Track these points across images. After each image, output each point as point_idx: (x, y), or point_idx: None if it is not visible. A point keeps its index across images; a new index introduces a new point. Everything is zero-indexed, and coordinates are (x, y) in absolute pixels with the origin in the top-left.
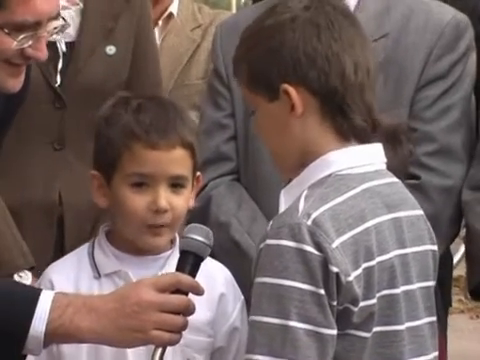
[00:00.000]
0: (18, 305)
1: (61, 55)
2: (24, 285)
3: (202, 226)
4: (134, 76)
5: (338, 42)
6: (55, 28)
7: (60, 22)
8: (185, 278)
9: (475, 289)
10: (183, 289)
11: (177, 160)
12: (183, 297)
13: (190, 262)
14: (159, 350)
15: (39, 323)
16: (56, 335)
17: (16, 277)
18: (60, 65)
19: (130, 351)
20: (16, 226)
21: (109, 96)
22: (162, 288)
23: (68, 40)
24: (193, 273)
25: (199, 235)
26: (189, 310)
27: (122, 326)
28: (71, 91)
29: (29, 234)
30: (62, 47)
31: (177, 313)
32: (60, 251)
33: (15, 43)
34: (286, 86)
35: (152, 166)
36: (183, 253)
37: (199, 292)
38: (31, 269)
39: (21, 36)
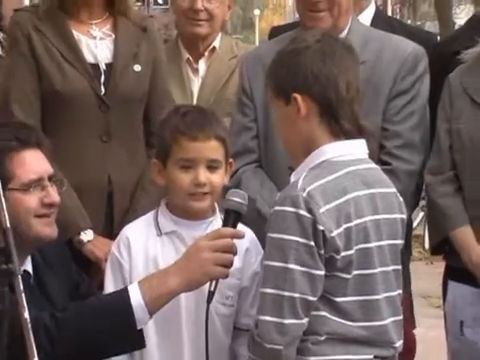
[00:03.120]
0: (116, 295)
1: (103, 72)
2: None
3: (239, 190)
4: (150, 89)
5: (337, 67)
6: (57, 181)
7: (59, 178)
8: (225, 229)
9: (434, 247)
10: (226, 238)
11: (212, 148)
12: (228, 239)
13: (232, 218)
14: (214, 282)
15: (136, 297)
16: (154, 301)
17: (82, 234)
18: (102, 79)
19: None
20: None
21: (138, 101)
22: (210, 239)
23: (106, 62)
24: (235, 225)
25: (237, 197)
26: (233, 249)
27: (191, 268)
28: (112, 98)
29: (86, 206)
30: (103, 67)
31: (226, 252)
32: (110, 219)
33: (33, 196)
34: (296, 95)
35: (193, 153)
36: (227, 211)
37: (240, 236)
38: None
39: (32, 188)
